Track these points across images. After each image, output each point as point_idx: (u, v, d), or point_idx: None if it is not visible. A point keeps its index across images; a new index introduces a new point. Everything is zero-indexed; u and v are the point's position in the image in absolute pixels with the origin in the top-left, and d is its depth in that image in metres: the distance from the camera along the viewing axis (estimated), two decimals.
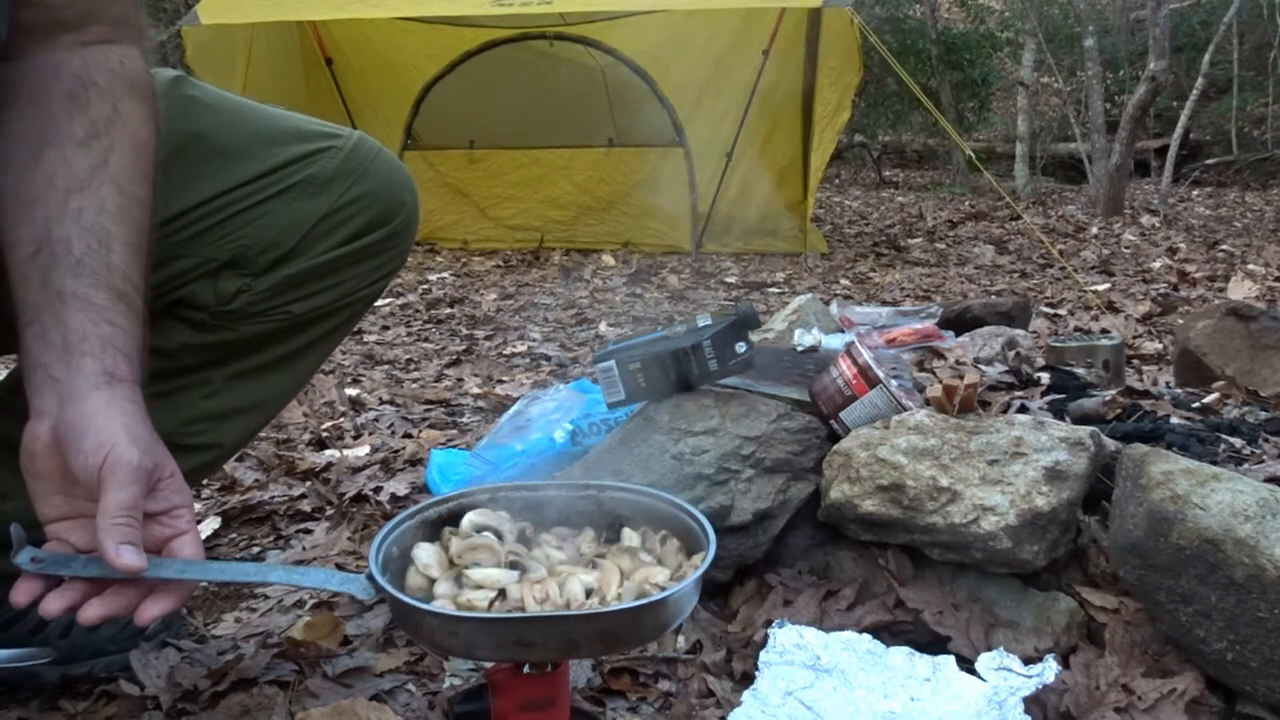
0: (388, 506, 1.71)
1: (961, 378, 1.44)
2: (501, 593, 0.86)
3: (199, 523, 1.64)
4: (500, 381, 2.77)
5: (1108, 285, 4.60)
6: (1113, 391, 1.71)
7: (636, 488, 1.03)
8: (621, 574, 0.91)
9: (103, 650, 1.13)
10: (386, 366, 3.05)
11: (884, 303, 3.84)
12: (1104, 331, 3.05)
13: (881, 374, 1.34)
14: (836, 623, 1.21)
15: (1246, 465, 1.37)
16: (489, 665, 0.93)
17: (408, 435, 2.18)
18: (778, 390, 1.46)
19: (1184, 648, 1.11)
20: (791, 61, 5.53)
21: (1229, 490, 1.07)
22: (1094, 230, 6.83)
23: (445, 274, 5.02)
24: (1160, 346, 3.17)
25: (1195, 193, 9.88)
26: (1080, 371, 1.90)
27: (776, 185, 5.77)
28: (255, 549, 1.60)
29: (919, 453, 1.24)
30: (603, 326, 3.68)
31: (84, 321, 0.78)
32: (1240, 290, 4.16)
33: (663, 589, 0.86)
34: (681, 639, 1.23)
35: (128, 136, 0.85)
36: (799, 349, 1.63)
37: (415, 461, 1.96)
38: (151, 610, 0.79)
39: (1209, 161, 11.12)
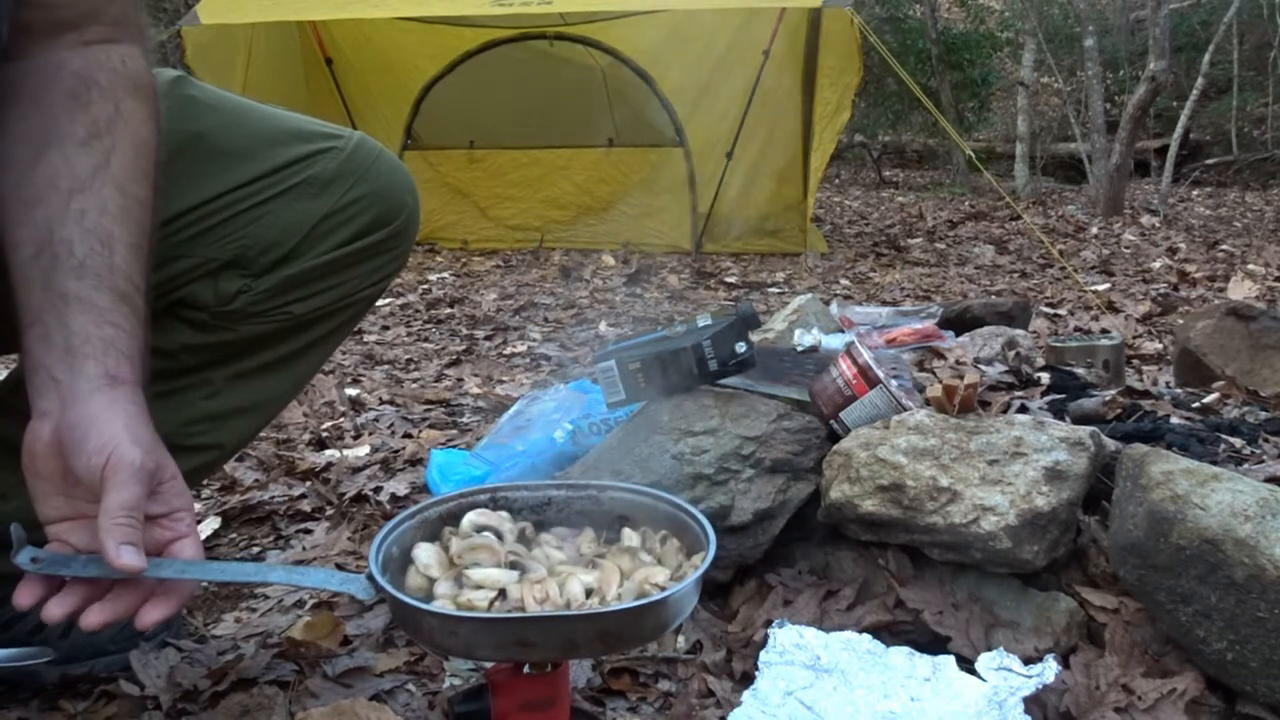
0: (388, 506, 1.71)
1: (961, 378, 1.44)
2: (501, 593, 0.86)
3: (199, 523, 1.64)
4: (500, 381, 2.77)
5: (1108, 285, 4.60)
6: (1113, 391, 1.71)
7: (636, 488, 1.03)
8: (621, 574, 0.91)
9: (103, 650, 1.13)
10: (386, 366, 3.05)
11: (884, 303, 3.84)
12: (1104, 331, 3.05)
13: (881, 374, 1.34)
14: (836, 623, 1.21)
15: (1246, 465, 1.37)
16: (489, 665, 0.93)
17: (408, 435, 2.18)
18: (778, 390, 1.46)
19: (1184, 648, 1.11)
20: (791, 61, 5.53)
21: (1229, 490, 1.07)
22: (1094, 230, 6.83)
23: (445, 274, 5.02)
24: (1160, 346, 3.18)
25: (1195, 193, 9.88)
26: (1080, 371, 1.90)
27: (776, 185, 5.77)
28: (255, 549, 1.60)
29: (919, 453, 1.24)
30: (603, 326, 3.68)
31: (86, 324, 0.78)
32: (1240, 290, 4.16)
33: (663, 589, 0.86)
34: (681, 639, 1.23)
35: (129, 136, 0.85)
36: (799, 349, 1.63)
37: (415, 461, 1.96)
38: (152, 615, 0.79)
39: (1209, 161, 11.12)
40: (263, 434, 2.13)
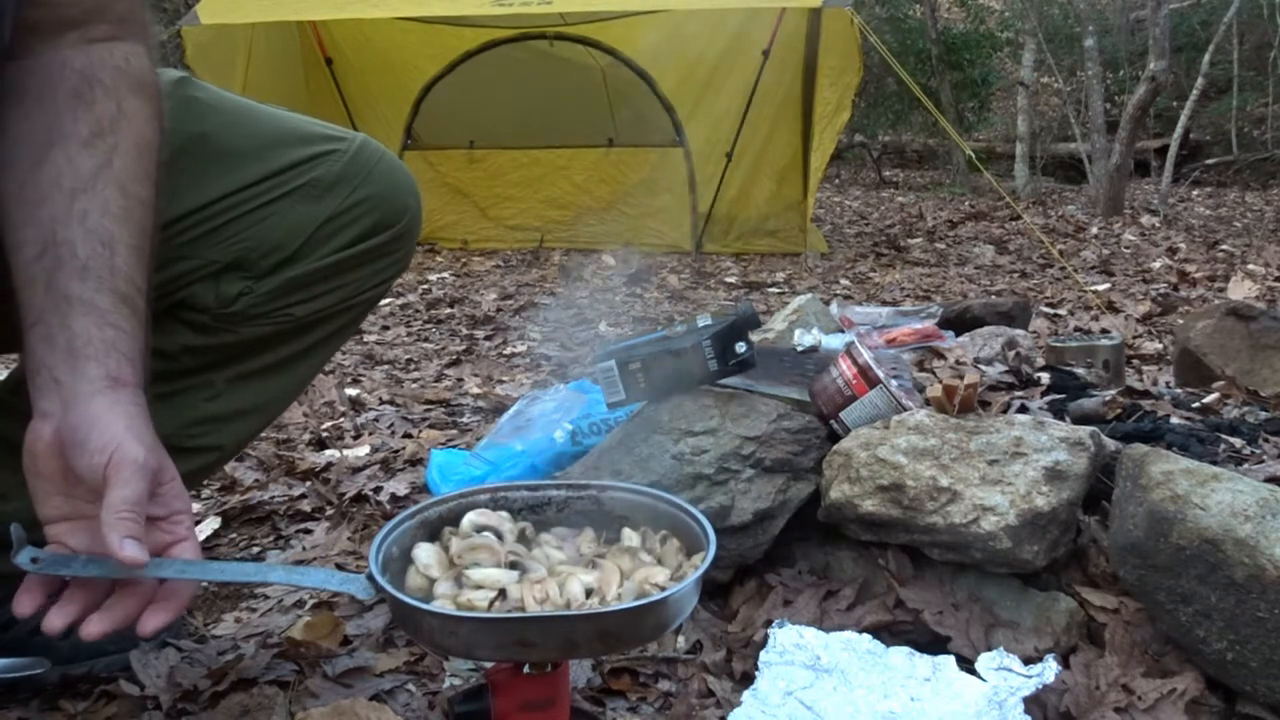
0: (388, 506, 1.71)
1: (961, 378, 1.44)
2: (501, 593, 0.86)
3: (198, 523, 1.64)
4: (500, 381, 2.77)
5: (1108, 285, 4.60)
6: (1113, 391, 1.71)
7: (636, 488, 1.03)
8: (621, 574, 0.91)
9: (103, 650, 1.13)
10: (386, 366, 3.05)
11: (884, 303, 3.84)
12: (1104, 331, 3.05)
13: (881, 374, 1.34)
14: (836, 623, 1.21)
15: (1246, 465, 1.37)
16: (489, 665, 0.93)
17: (408, 435, 2.18)
18: (778, 390, 1.46)
19: (1184, 648, 1.11)
20: (791, 61, 5.53)
21: (1229, 490, 1.07)
22: (1094, 230, 6.84)
23: (445, 274, 5.02)
24: (1160, 346, 3.18)
25: (1195, 193, 9.88)
26: (1080, 371, 1.90)
27: (776, 185, 5.78)
28: (255, 549, 1.60)
29: (919, 453, 1.24)
30: (603, 326, 3.68)
31: (88, 325, 0.78)
32: (1240, 290, 4.16)
33: (663, 589, 0.86)
34: (681, 639, 1.23)
35: (132, 135, 0.85)
36: (799, 349, 1.63)
37: (415, 461, 1.96)
38: (152, 622, 0.79)
39: (1209, 161, 11.13)
40: (263, 434, 2.13)
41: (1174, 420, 1.59)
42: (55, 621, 0.77)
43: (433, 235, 5.78)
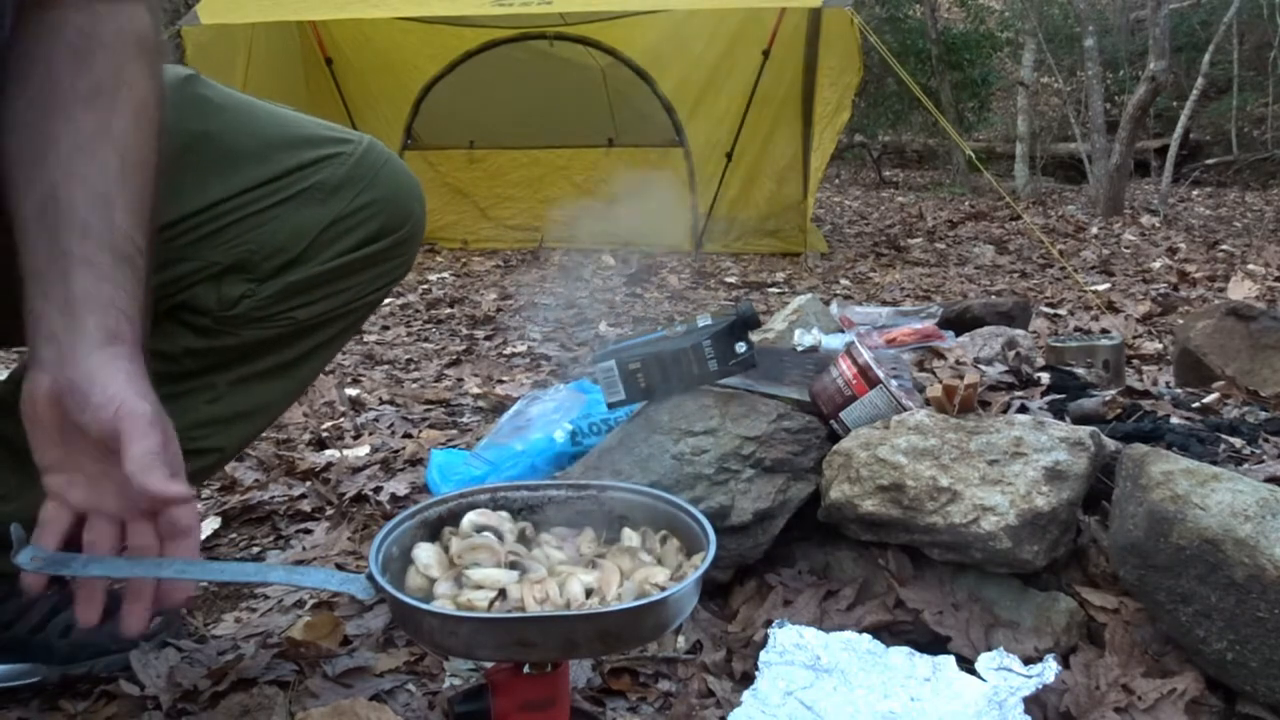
0: (388, 506, 1.71)
1: (961, 378, 1.44)
2: (501, 593, 0.86)
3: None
4: (500, 381, 2.77)
5: (1108, 285, 4.60)
6: (1113, 391, 1.72)
7: (636, 488, 1.03)
8: (621, 574, 0.91)
9: (104, 650, 1.13)
10: (386, 366, 3.05)
11: (884, 303, 3.84)
12: (1104, 331, 3.05)
13: (881, 374, 1.34)
14: (836, 623, 1.21)
15: (1246, 465, 1.37)
16: (489, 665, 0.93)
17: (408, 435, 2.18)
18: (778, 390, 1.46)
19: (1184, 648, 1.11)
20: (791, 61, 5.53)
21: (1229, 490, 1.07)
22: (1094, 230, 6.84)
23: (445, 274, 5.02)
24: (1160, 346, 3.18)
25: (1195, 193, 9.88)
26: (1080, 371, 1.90)
27: (776, 185, 5.77)
28: (255, 549, 1.60)
29: (919, 453, 1.24)
30: (603, 326, 3.68)
31: (87, 282, 0.78)
32: (1240, 290, 4.16)
33: (663, 589, 0.86)
34: (681, 639, 1.23)
35: (133, 96, 0.85)
36: (799, 349, 1.63)
37: (415, 461, 1.96)
38: (178, 593, 0.80)
39: (1209, 161, 11.13)
40: (263, 434, 2.13)
41: (1174, 420, 1.59)
42: (90, 615, 0.78)
43: (433, 235, 5.78)
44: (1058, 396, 1.69)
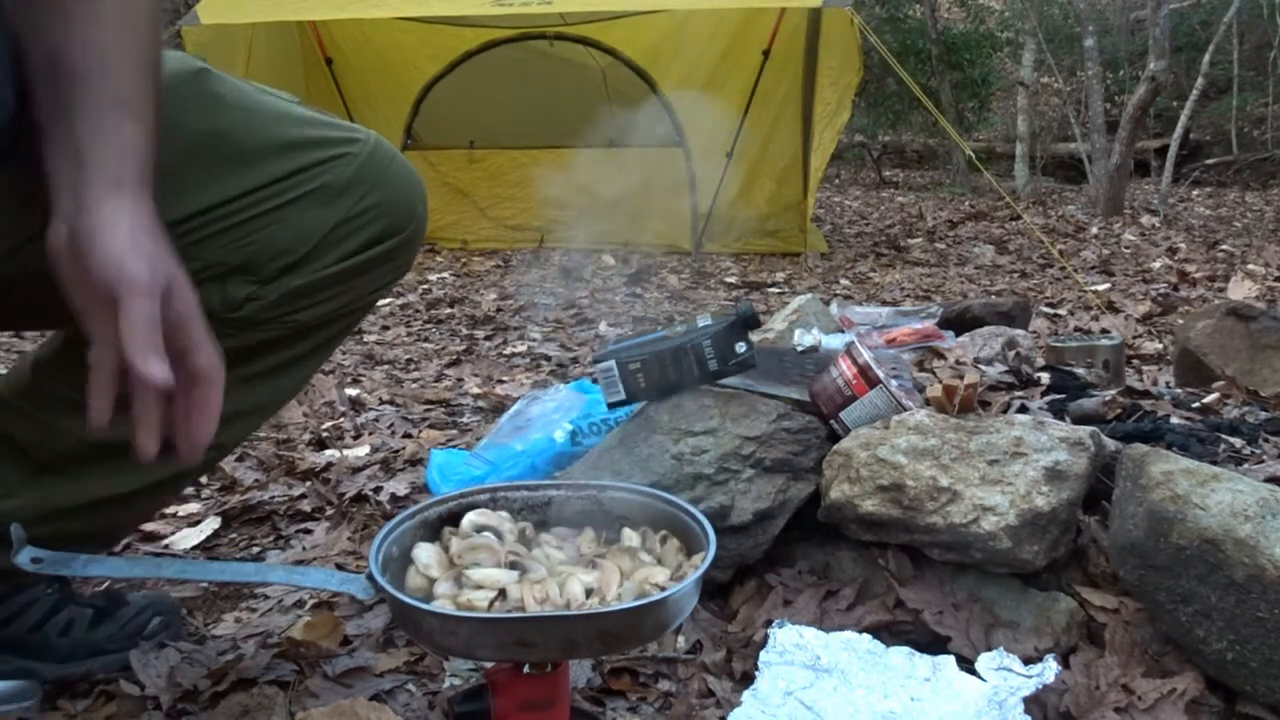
0: (388, 506, 1.71)
1: (961, 378, 1.44)
2: (501, 593, 0.87)
3: (198, 523, 1.64)
4: (500, 381, 2.77)
5: (1108, 285, 4.60)
6: (1113, 391, 1.72)
7: (636, 488, 1.03)
8: (621, 574, 0.91)
9: (101, 650, 1.13)
10: (386, 366, 3.05)
11: (884, 303, 3.84)
12: (1104, 331, 3.05)
13: (881, 374, 1.34)
14: (836, 623, 1.21)
15: (1246, 465, 1.37)
16: (489, 665, 0.93)
17: (408, 435, 2.18)
18: (778, 390, 1.46)
19: (1184, 648, 1.11)
20: (791, 61, 5.53)
21: (1229, 490, 1.07)
22: (1094, 230, 6.84)
23: (445, 274, 5.02)
24: (1160, 346, 3.18)
25: (1195, 193, 9.88)
26: (1080, 371, 1.90)
27: (776, 185, 5.77)
28: (255, 549, 1.60)
29: (919, 453, 1.24)
30: (603, 326, 3.68)
31: (90, 130, 0.80)
32: (1240, 290, 4.16)
33: (663, 589, 0.86)
34: (681, 639, 1.23)
35: None
36: (799, 349, 1.63)
37: (415, 461, 1.96)
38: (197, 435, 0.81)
39: (1209, 161, 11.13)
40: (263, 434, 2.13)
41: (1174, 420, 1.59)
42: (150, 446, 0.78)
43: (433, 235, 5.78)
44: (1058, 396, 1.69)
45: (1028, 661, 1.09)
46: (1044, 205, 8.68)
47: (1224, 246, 5.98)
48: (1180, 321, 3.08)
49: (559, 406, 1.84)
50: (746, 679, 1.14)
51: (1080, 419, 1.56)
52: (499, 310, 4.05)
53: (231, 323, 1.03)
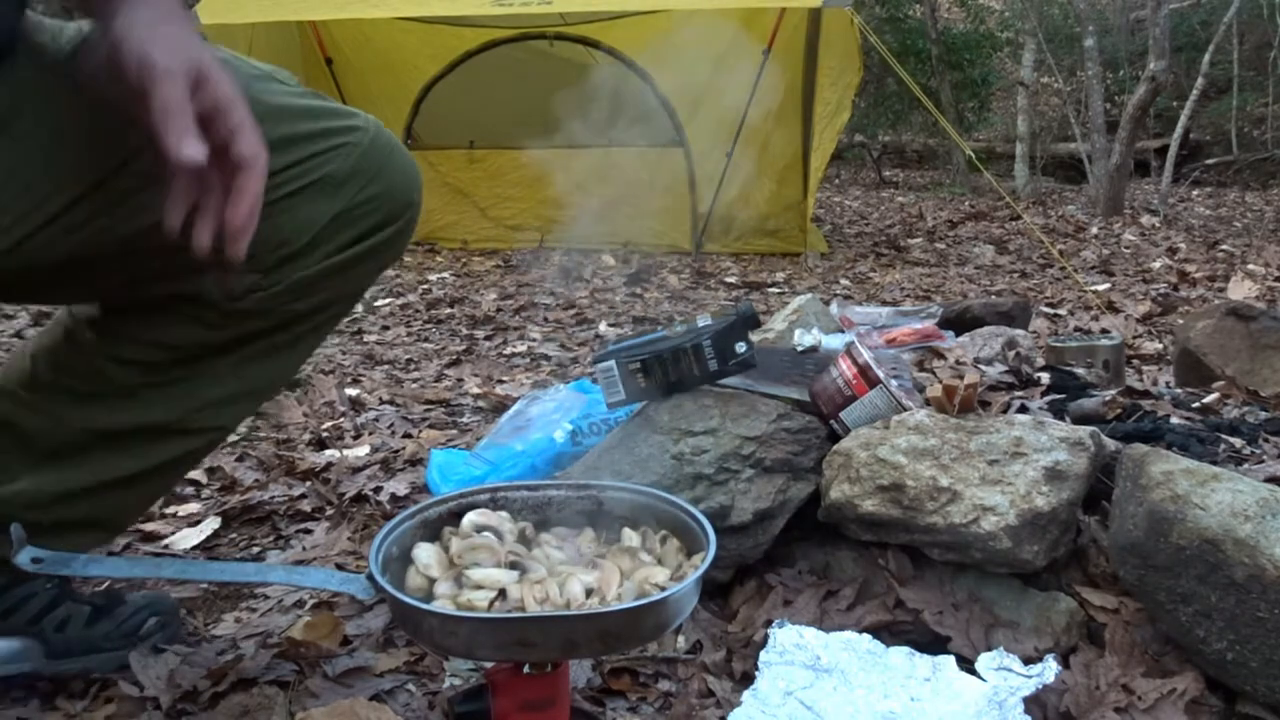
0: (388, 506, 1.71)
1: (961, 378, 1.44)
2: (501, 593, 0.87)
3: (198, 523, 1.64)
4: (500, 381, 2.77)
5: (1108, 285, 4.60)
6: (1113, 391, 1.71)
7: (636, 488, 1.03)
8: (621, 574, 0.91)
9: (97, 647, 1.13)
10: (386, 366, 3.05)
11: (884, 303, 3.84)
12: (1104, 331, 3.05)
13: (881, 374, 1.34)
14: (836, 623, 1.21)
15: (1246, 465, 1.37)
16: (489, 665, 0.93)
17: (408, 435, 2.18)
18: (778, 390, 1.46)
19: (1184, 648, 1.11)
20: (791, 61, 5.53)
21: (1229, 490, 1.07)
22: (1094, 230, 6.84)
23: (445, 274, 5.02)
24: (1160, 346, 3.18)
25: (1195, 193, 9.88)
26: (1080, 371, 1.90)
27: (776, 185, 5.77)
28: (255, 549, 1.60)
29: (919, 453, 1.24)
30: (603, 326, 3.68)
31: None
32: (1240, 290, 4.16)
33: (663, 589, 0.86)
34: (681, 639, 1.23)
35: None
36: (799, 349, 1.63)
37: (415, 461, 1.96)
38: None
39: (1209, 161, 11.12)
40: (263, 434, 2.13)
41: (1174, 420, 1.59)
42: (205, 237, 0.79)
43: (433, 235, 5.78)
44: (1058, 396, 1.69)
45: (1028, 661, 1.09)
46: (1044, 205, 8.68)
47: (1224, 246, 5.98)
48: (1180, 321, 3.08)
49: (559, 406, 1.84)
50: (746, 679, 1.14)
51: (1080, 419, 1.56)
52: (499, 310, 4.05)
53: (234, 314, 1.03)
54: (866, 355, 1.35)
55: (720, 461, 1.30)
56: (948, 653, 1.14)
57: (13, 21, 0.85)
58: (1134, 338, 3.34)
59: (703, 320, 1.40)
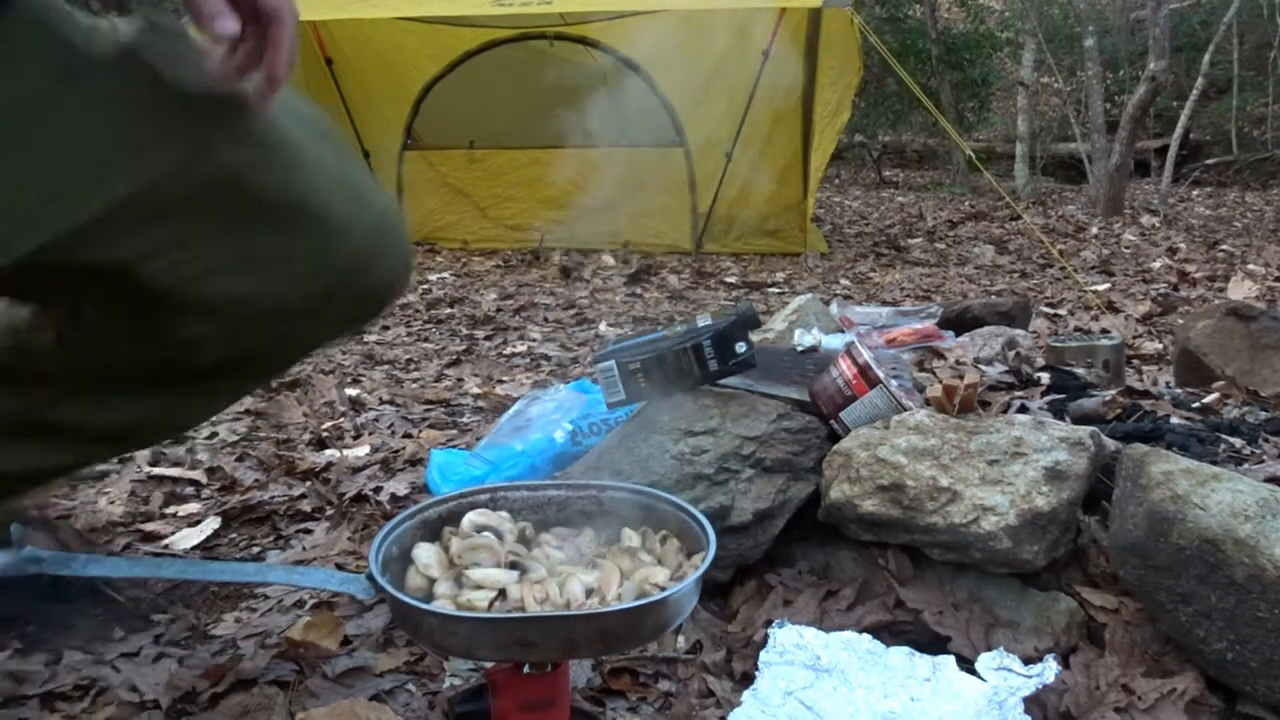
0: (388, 506, 1.71)
1: (961, 378, 1.44)
2: (501, 593, 0.87)
3: (198, 523, 1.64)
4: (500, 381, 2.77)
5: (1108, 285, 4.60)
6: (1113, 391, 1.71)
7: (636, 488, 1.04)
8: (621, 574, 0.91)
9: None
10: (386, 366, 3.05)
11: (884, 303, 3.84)
12: (1104, 331, 3.05)
13: (881, 374, 1.34)
14: (836, 623, 1.21)
15: (1246, 465, 1.37)
16: (489, 665, 0.93)
17: (408, 435, 2.18)
18: (778, 390, 1.46)
19: (1184, 648, 1.11)
20: (791, 61, 5.52)
21: (1229, 490, 1.07)
22: (1094, 230, 6.83)
23: (445, 274, 5.02)
24: (1160, 346, 3.17)
25: (1195, 193, 9.88)
26: (1080, 371, 1.90)
27: (776, 185, 5.77)
28: (255, 549, 1.60)
29: (919, 453, 1.24)
30: (603, 326, 3.68)
31: None
32: (1240, 290, 4.16)
33: (663, 589, 0.86)
34: (681, 639, 1.23)
35: None
36: (799, 349, 1.63)
37: (415, 461, 1.96)
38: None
39: (1209, 161, 11.12)
40: (263, 434, 2.13)
41: (1174, 420, 1.59)
42: (251, 83, 0.84)
43: (433, 235, 5.78)
44: (1058, 396, 1.69)
45: (1028, 661, 1.09)
46: (1044, 205, 8.68)
47: (1224, 246, 5.98)
48: (1180, 321, 3.08)
49: (559, 406, 1.84)
50: (746, 679, 1.14)
51: (1080, 419, 1.56)
52: (499, 310, 4.05)
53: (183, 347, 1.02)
54: (866, 355, 1.35)
55: (720, 461, 1.30)
56: (948, 653, 1.14)
57: None
58: (1134, 338, 3.34)
59: (703, 320, 1.40)
